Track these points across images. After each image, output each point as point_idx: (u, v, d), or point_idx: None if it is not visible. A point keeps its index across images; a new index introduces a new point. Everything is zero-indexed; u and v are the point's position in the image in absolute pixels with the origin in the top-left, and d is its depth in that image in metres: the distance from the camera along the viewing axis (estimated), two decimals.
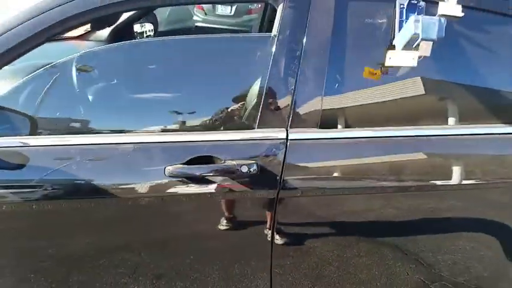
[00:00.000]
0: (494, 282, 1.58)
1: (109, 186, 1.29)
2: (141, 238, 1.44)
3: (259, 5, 6.87)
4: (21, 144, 1.31)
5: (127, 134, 1.38)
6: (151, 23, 2.93)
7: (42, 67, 1.46)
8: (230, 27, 5.83)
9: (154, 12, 2.95)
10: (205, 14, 7.12)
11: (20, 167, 1.29)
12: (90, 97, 1.51)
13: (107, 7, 1.33)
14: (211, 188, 1.31)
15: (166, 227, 1.42)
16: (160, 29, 3.30)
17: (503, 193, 1.46)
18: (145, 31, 2.87)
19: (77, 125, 1.45)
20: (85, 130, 1.43)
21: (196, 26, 6.08)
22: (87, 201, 1.33)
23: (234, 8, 7.07)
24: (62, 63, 1.48)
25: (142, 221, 1.40)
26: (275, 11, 1.41)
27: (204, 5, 7.04)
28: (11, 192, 1.30)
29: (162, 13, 3.79)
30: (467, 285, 1.58)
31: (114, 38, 2.60)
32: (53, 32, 1.31)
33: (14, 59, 1.33)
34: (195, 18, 6.81)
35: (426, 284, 1.58)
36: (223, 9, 7.12)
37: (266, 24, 2.33)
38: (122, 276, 1.47)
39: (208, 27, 6.27)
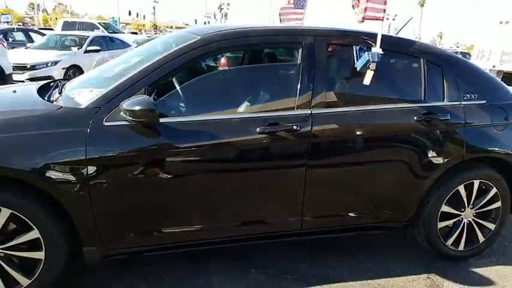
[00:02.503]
0: (400, 198, 2.98)
1: (229, 139, 2.50)
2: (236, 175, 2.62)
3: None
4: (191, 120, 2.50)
5: (238, 113, 2.62)
6: None
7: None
8: None
9: None
10: None
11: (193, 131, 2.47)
12: (228, 96, 2.78)
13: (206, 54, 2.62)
14: (278, 137, 2.55)
15: (251, 163, 2.63)
16: None
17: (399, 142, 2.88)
18: None
19: (216, 108, 2.64)
20: (219, 112, 2.61)
21: None
22: (220, 150, 2.52)
23: None
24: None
25: (240, 161, 2.61)
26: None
27: None
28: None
29: None
30: (389, 205, 2.96)
31: None
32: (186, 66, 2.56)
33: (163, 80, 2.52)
34: None
35: (367, 206, 2.95)
36: None
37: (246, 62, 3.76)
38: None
39: None
